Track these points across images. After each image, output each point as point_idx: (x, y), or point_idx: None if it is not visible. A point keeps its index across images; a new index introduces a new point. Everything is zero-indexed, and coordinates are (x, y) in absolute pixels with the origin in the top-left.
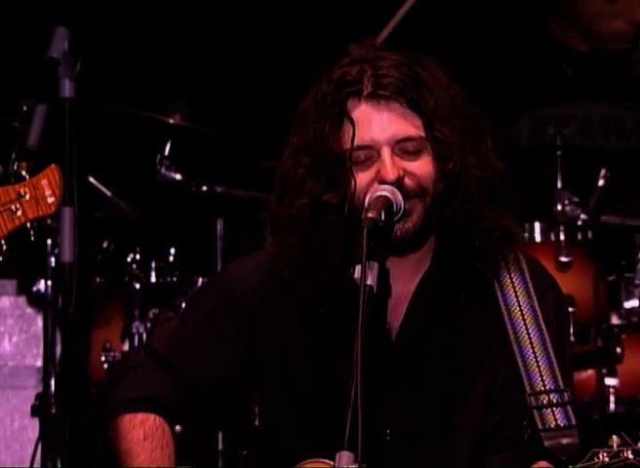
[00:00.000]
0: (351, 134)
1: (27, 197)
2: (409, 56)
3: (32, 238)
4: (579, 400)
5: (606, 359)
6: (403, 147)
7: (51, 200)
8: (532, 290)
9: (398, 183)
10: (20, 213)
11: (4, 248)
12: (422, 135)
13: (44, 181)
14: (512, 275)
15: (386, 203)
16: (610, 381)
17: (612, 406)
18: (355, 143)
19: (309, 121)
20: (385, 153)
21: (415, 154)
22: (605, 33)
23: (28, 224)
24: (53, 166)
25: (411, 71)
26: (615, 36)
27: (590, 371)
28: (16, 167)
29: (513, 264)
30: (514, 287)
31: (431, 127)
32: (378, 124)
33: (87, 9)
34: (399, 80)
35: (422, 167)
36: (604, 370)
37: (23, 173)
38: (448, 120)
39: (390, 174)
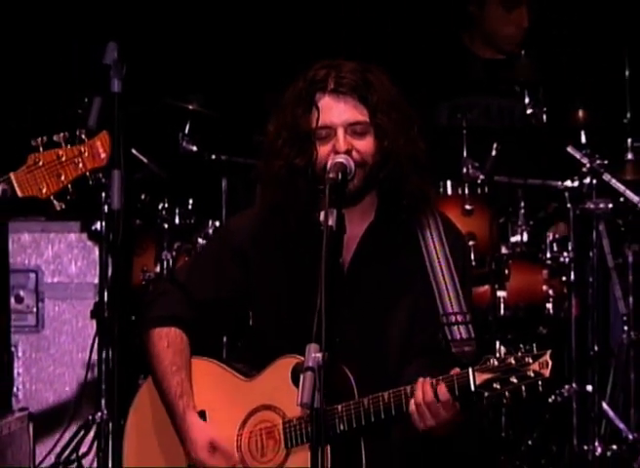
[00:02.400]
0: (316, 117)
1: (86, 154)
2: (363, 65)
3: (90, 182)
4: (478, 308)
5: (497, 278)
6: (353, 129)
7: (103, 155)
8: (444, 241)
9: (347, 154)
10: (80, 165)
11: (70, 190)
12: (368, 121)
13: (98, 143)
14: (432, 230)
15: (342, 167)
16: (500, 293)
17: (502, 311)
18: (319, 124)
19: (288, 107)
20: (340, 132)
21: (361, 135)
22: (500, 37)
23: (87, 173)
24: (104, 131)
25: (363, 75)
26: (507, 39)
27: (486, 287)
28: (77, 133)
29: (432, 222)
30: (432, 238)
31: (374, 116)
32: (336, 111)
33: (130, 30)
34: (353, 81)
35: (366, 145)
36: (496, 286)
37: (83, 136)
38: (386, 112)
39: (342, 146)
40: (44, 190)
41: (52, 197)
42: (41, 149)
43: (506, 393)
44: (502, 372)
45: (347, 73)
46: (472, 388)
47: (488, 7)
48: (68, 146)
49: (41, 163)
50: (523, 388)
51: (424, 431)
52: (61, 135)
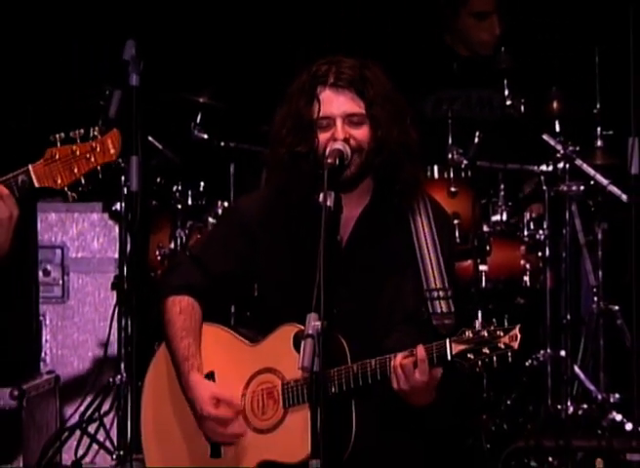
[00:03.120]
0: (318, 108)
1: (97, 149)
2: (361, 61)
3: (100, 176)
4: (462, 281)
5: (479, 253)
6: (351, 119)
7: (112, 151)
8: (433, 224)
9: (345, 142)
10: (92, 159)
11: (83, 182)
12: (364, 112)
13: (108, 140)
14: (421, 214)
15: (340, 153)
16: (482, 268)
17: (483, 284)
18: (320, 115)
19: (293, 99)
20: (338, 122)
21: (358, 125)
22: (475, 42)
23: (98, 167)
24: (115, 130)
25: (360, 71)
26: (481, 44)
27: (469, 262)
28: (91, 130)
29: (423, 207)
30: (422, 221)
31: (370, 108)
32: (335, 103)
33: (147, 29)
34: (352, 76)
35: (362, 134)
36: (478, 261)
37: (96, 133)
38: (381, 104)
39: (340, 134)
40: (59, 182)
41: (66, 188)
42: (58, 144)
43: (479, 362)
44: (476, 344)
45: (346, 69)
46: (449, 357)
47: (461, 17)
48: (82, 142)
49: (57, 157)
50: (494, 358)
51: (398, 393)
52: (77, 131)
